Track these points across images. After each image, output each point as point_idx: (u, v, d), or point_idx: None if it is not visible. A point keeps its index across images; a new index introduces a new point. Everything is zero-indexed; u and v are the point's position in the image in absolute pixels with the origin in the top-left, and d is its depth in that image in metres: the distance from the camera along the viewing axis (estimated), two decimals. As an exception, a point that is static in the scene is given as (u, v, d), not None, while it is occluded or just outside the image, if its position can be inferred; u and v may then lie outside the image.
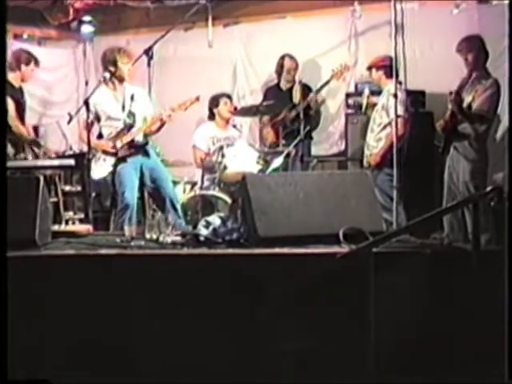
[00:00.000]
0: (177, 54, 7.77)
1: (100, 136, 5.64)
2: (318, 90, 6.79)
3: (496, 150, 5.39)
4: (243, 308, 3.32)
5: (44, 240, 3.74)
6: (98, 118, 5.58)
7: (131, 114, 5.56)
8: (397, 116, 4.87)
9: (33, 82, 6.49)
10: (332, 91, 7.11)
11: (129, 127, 5.56)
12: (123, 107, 5.57)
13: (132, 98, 5.57)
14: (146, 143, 5.65)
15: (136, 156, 5.57)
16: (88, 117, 5.18)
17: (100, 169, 5.54)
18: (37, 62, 6.24)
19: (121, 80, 5.59)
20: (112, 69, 5.52)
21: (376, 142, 5.86)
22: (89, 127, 5.33)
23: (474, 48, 5.32)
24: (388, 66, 5.77)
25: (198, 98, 5.66)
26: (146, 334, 3.34)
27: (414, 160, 4.95)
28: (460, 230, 5.15)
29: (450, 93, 5.16)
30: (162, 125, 5.56)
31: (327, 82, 6.70)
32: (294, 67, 7.09)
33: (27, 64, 6.16)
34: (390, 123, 5.49)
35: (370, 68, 6.12)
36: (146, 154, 5.64)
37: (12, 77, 6.10)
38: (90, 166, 5.37)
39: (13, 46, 7.06)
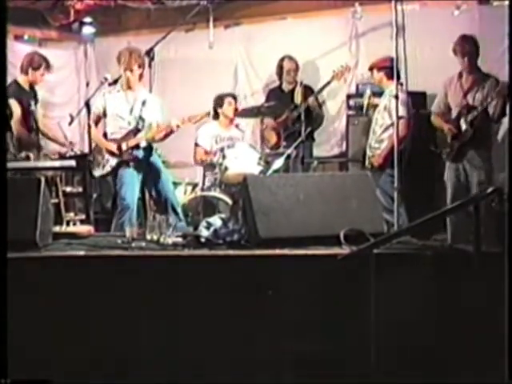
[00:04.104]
0: (178, 55, 7.76)
1: (105, 135, 5.65)
2: (319, 92, 6.79)
3: (497, 152, 5.38)
4: (244, 309, 3.32)
5: (45, 241, 3.74)
6: (104, 114, 5.61)
7: (140, 119, 5.58)
8: (398, 117, 4.86)
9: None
10: (333, 92, 7.11)
11: (135, 131, 5.58)
12: (131, 110, 5.59)
13: (144, 103, 5.60)
14: (151, 152, 5.65)
15: (140, 169, 5.57)
16: (89, 118, 5.20)
17: (102, 170, 5.58)
18: (48, 67, 6.20)
19: (133, 83, 5.61)
20: (126, 70, 5.55)
21: (378, 144, 5.85)
22: (95, 121, 5.47)
23: (471, 50, 5.32)
24: (389, 67, 5.74)
25: (208, 114, 5.72)
26: (147, 335, 3.34)
27: (415, 161, 4.94)
28: (463, 232, 5.12)
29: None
30: (168, 134, 5.55)
31: (328, 83, 6.69)
32: (293, 68, 7.08)
33: (38, 68, 6.12)
34: (392, 124, 5.47)
35: (371, 69, 6.10)
36: (149, 163, 5.64)
37: (22, 79, 6.12)
38: (91, 167, 5.39)
39: (13, 46, 7.08)
